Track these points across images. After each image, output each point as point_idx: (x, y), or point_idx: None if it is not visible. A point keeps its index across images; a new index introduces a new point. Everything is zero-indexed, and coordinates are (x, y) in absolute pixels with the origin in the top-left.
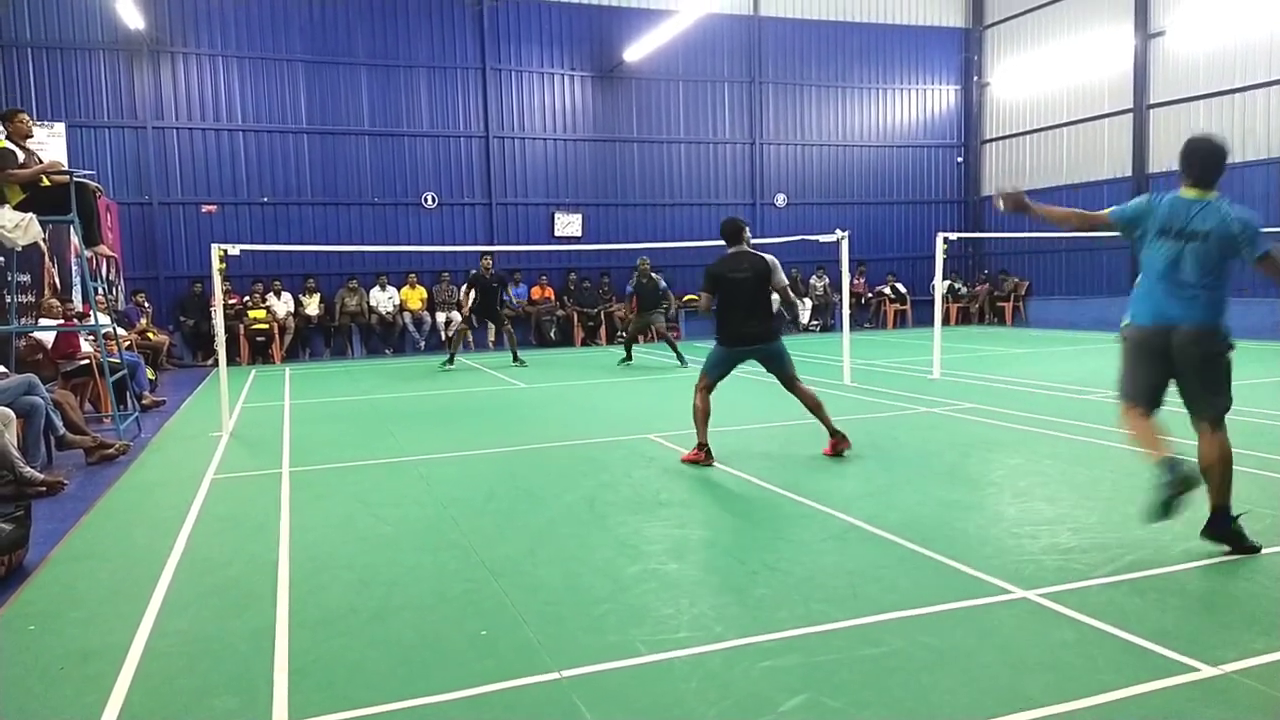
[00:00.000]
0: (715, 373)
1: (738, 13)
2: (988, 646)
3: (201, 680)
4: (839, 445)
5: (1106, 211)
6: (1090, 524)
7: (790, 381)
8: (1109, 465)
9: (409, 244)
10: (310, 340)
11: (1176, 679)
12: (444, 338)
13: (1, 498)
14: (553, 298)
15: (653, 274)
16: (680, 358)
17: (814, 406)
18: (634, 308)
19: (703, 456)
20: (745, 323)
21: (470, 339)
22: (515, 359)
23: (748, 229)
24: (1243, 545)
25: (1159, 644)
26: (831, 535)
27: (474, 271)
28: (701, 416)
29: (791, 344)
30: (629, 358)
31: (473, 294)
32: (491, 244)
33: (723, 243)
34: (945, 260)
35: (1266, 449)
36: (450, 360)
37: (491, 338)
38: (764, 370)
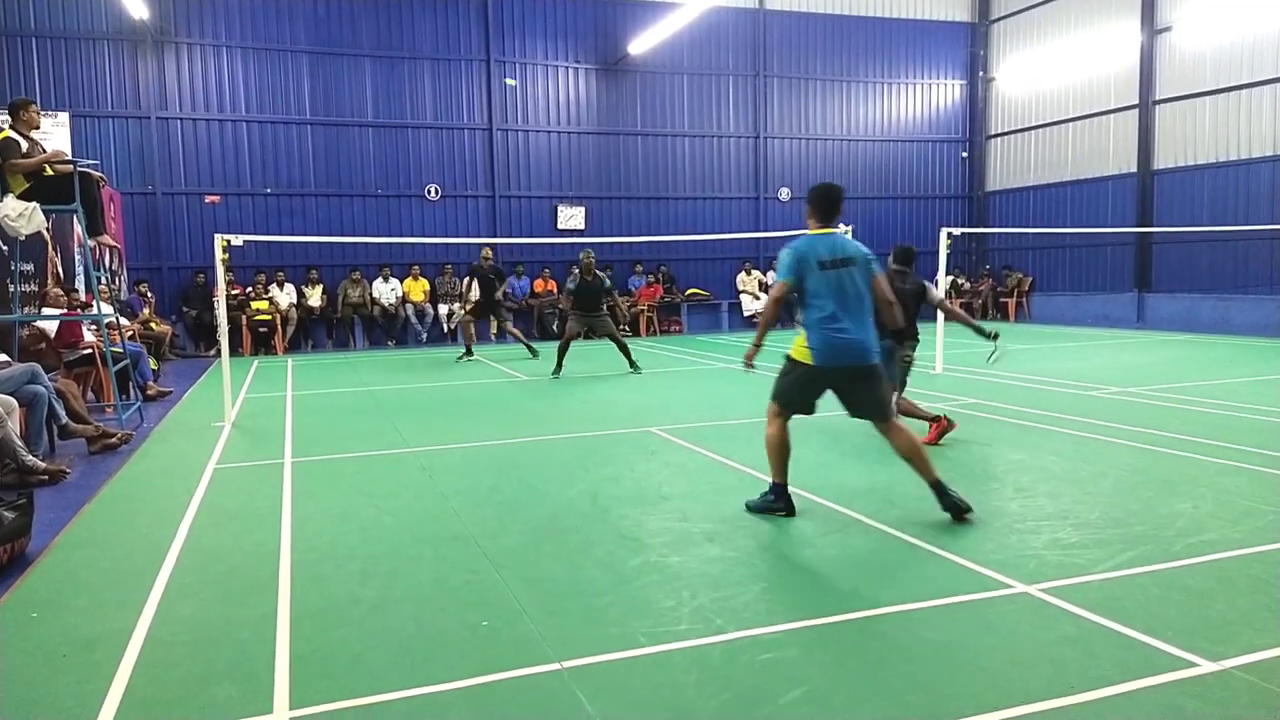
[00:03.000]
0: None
1: (743, 6)
2: (989, 640)
3: (203, 668)
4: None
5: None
6: (1092, 519)
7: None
8: (1111, 461)
9: (412, 236)
10: (313, 331)
11: (1176, 674)
12: (446, 330)
13: (4, 486)
14: (555, 291)
15: (598, 271)
16: (632, 363)
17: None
18: (571, 308)
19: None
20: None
21: (474, 330)
22: (530, 351)
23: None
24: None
25: (1159, 639)
26: (833, 529)
27: (474, 263)
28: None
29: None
30: (559, 369)
31: (474, 286)
32: (494, 237)
33: (726, 236)
34: (949, 256)
35: (1270, 445)
36: (468, 352)
37: (493, 331)
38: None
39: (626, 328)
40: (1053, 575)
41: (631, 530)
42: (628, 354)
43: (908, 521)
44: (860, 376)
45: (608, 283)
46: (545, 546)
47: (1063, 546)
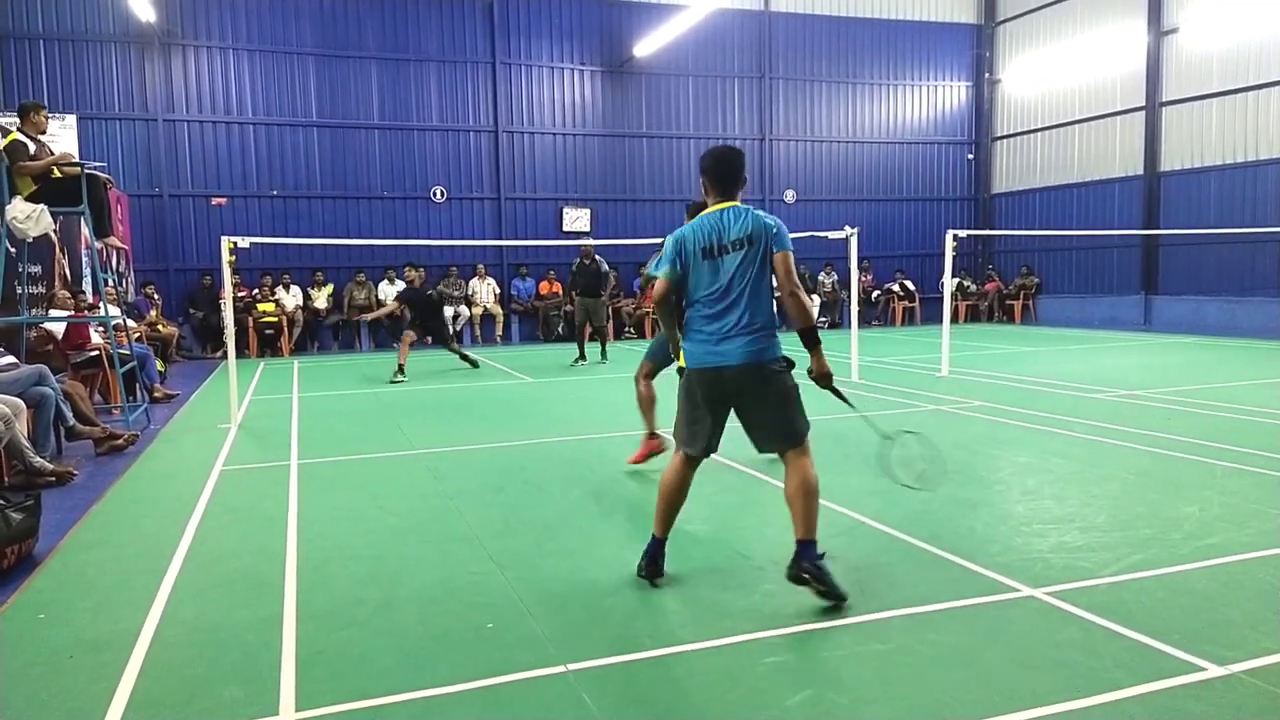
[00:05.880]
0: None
1: (748, 8)
2: (994, 644)
3: (209, 669)
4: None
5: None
6: (1098, 523)
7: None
8: (1117, 464)
9: (418, 238)
10: (318, 333)
11: (1183, 678)
12: (450, 331)
13: (12, 487)
14: (560, 293)
15: (596, 257)
16: (603, 353)
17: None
18: (575, 294)
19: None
20: None
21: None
22: (464, 358)
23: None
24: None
25: (1166, 643)
26: (838, 532)
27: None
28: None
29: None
30: (583, 357)
31: (406, 309)
32: (500, 239)
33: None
34: (954, 258)
35: (1278, 449)
36: (400, 371)
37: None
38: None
39: (632, 330)
40: (1059, 579)
41: (636, 532)
42: (602, 345)
43: (913, 524)
44: None
45: (605, 267)
46: (550, 548)
47: (1069, 550)
